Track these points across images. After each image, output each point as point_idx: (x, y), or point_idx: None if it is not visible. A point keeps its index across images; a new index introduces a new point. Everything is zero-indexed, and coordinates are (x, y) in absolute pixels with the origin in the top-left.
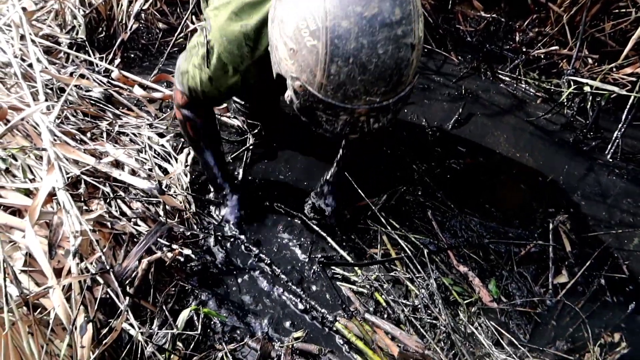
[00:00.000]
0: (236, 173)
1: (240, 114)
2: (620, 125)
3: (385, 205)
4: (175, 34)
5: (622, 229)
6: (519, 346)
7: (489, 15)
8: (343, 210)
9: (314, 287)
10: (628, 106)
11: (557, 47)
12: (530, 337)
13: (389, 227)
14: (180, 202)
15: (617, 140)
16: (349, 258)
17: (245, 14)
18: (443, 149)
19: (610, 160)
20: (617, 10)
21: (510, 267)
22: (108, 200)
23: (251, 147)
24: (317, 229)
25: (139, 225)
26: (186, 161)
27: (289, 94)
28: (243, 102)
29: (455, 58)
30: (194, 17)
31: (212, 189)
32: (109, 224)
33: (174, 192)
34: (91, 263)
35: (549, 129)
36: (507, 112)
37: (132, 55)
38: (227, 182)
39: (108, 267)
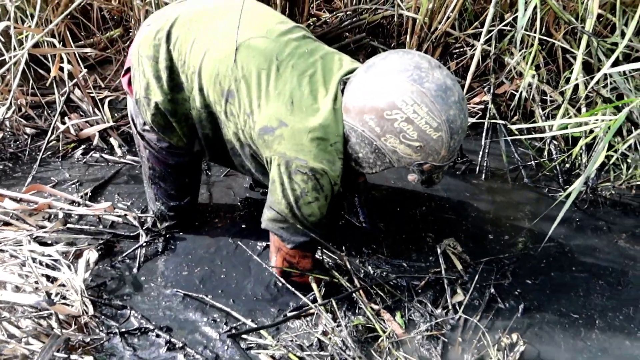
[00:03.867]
0: (129, 271)
1: (163, 219)
2: (482, 149)
3: None
4: (47, 137)
5: (504, 238)
6: None
7: None
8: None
9: None
10: (484, 131)
11: None
12: (442, 358)
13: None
14: (77, 308)
15: (483, 162)
16: (253, 324)
17: (330, 135)
18: None
19: (483, 180)
20: (456, 51)
21: (410, 297)
22: None
23: (144, 244)
24: (219, 305)
25: (31, 344)
26: (87, 264)
27: (414, 177)
28: (176, 203)
29: None
30: (65, 117)
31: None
32: None
33: (70, 299)
34: None
35: None
36: None
37: (1, 167)
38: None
39: None
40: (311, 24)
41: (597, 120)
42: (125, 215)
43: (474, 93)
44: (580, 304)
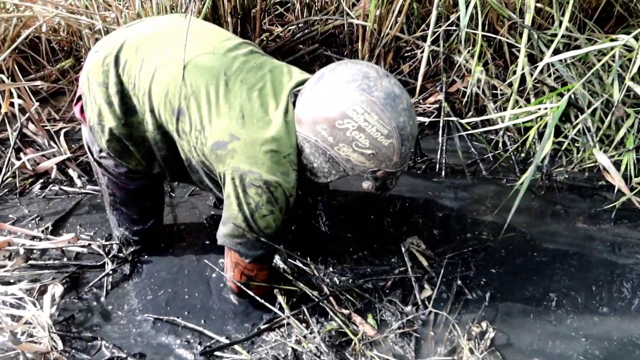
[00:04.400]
0: (97, 301)
1: (128, 244)
2: (440, 147)
3: None
4: (2, 174)
5: (467, 232)
6: None
7: None
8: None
9: None
10: (440, 129)
11: None
12: (416, 353)
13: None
14: (45, 345)
15: (442, 159)
16: (227, 341)
17: (283, 147)
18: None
19: (443, 176)
20: (407, 54)
21: (379, 298)
22: None
23: (110, 272)
24: (192, 325)
25: None
26: (53, 299)
27: (368, 184)
28: (140, 227)
29: None
30: (20, 153)
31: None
32: None
33: (38, 336)
34: None
35: None
36: None
37: None
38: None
39: None
40: (264, 39)
41: (546, 108)
42: (90, 244)
43: (429, 93)
44: (545, 287)
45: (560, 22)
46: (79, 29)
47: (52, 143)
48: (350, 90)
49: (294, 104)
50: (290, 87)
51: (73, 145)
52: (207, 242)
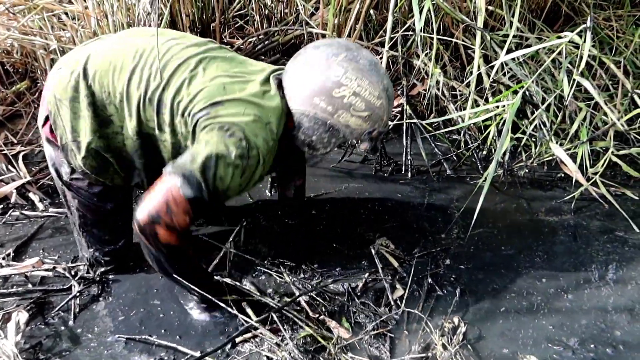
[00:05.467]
0: (65, 326)
1: (99, 265)
2: (404, 149)
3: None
4: None
5: (436, 231)
6: None
7: None
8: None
9: None
10: (404, 132)
11: None
12: (391, 353)
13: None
14: None
15: (407, 161)
16: (196, 354)
17: (264, 114)
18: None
19: (409, 178)
20: None
21: (352, 301)
22: None
23: (77, 294)
24: (165, 343)
25: None
26: (17, 326)
27: (365, 146)
28: (112, 247)
29: None
30: None
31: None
32: None
33: None
34: None
35: (351, 168)
36: (310, 165)
37: None
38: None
39: None
40: None
41: (503, 105)
42: (55, 268)
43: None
44: (513, 279)
45: (511, 23)
46: (34, 50)
47: (10, 167)
48: (339, 61)
49: (279, 86)
50: (268, 70)
51: (33, 169)
52: None
